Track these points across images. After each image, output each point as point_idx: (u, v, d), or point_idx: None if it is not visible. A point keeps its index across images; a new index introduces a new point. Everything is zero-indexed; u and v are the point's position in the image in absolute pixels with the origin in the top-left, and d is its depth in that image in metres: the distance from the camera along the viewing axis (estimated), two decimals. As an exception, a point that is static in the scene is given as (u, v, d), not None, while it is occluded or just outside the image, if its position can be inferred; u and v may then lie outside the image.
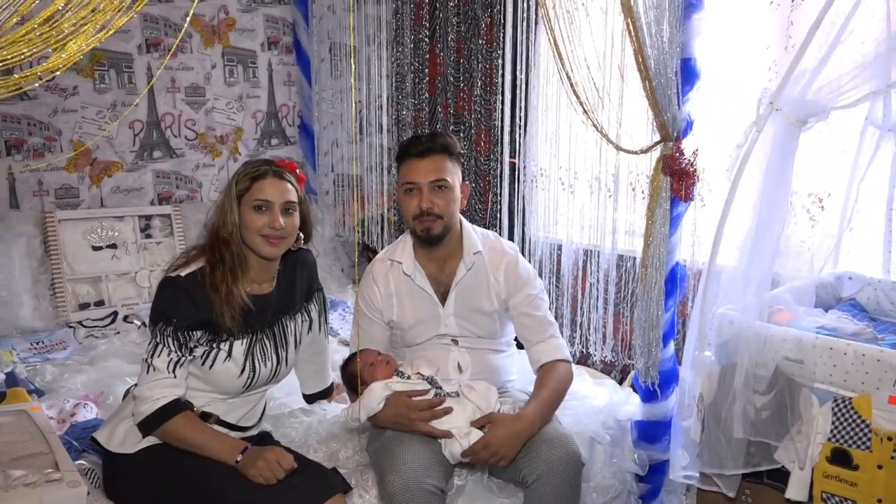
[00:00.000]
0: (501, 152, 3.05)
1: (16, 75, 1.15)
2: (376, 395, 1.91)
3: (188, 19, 2.47)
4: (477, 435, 1.81)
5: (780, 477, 1.85)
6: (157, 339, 1.74)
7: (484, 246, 2.11)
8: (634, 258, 2.66)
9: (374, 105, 3.66)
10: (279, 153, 3.93)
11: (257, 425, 1.96)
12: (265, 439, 1.94)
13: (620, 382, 2.66)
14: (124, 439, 1.77)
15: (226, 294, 1.78)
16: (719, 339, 1.93)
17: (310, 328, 2.03)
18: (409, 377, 1.96)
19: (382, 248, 3.52)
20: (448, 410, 1.86)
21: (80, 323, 3.03)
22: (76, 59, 1.15)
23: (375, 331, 2.12)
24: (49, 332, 2.94)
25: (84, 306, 3.10)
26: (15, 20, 1.08)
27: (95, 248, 3.21)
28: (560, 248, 2.93)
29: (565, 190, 2.90)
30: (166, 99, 3.53)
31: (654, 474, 2.15)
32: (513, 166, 3.05)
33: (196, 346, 1.78)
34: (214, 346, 1.79)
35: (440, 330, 2.09)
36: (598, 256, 2.75)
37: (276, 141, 3.94)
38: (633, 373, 2.63)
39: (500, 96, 3.02)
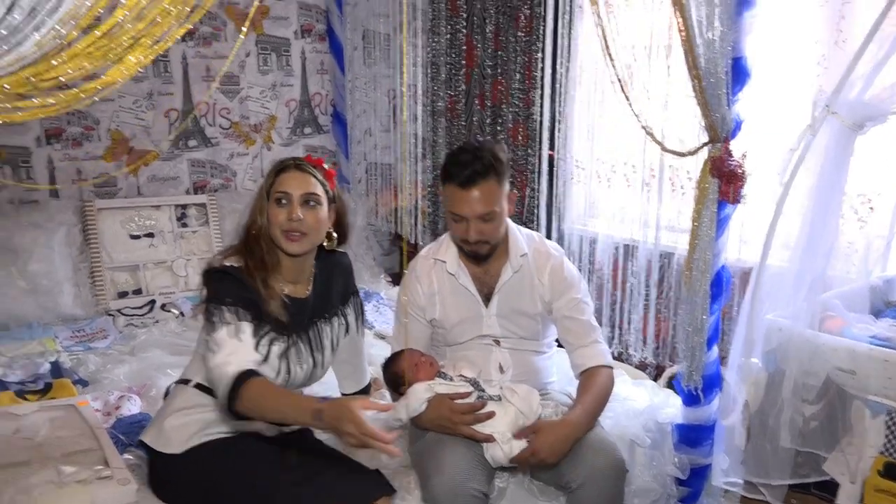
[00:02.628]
0: (540, 146, 3.01)
1: (74, 89, 1.15)
2: (419, 396, 1.91)
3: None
4: (519, 445, 1.80)
5: (829, 488, 1.83)
6: (214, 319, 1.70)
7: (529, 248, 2.08)
8: (671, 254, 2.63)
9: (408, 94, 3.63)
10: (312, 142, 3.93)
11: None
12: (305, 436, 1.94)
13: (655, 378, 2.64)
14: (170, 439, 1.77)
15: (266, 289, 1.77)
16: (767, 346, 1.91)
17: (346, 331, 2.02)
18: (451, 379, 1.95)
19: (414, 238, 3.48)
20: (490, 414, 1.85)
21: (119, 311, 3.06)
22: (134, 73, 1.14)
23: (417, 329, 2.11)
24: (89, 319, 2.97)
25: (123, 294, 3.13)
26: (75, 33, 1.07)
27: (133, 237, 3.23)
28: (594, 242, 2.90)
29: (601, 183, 2.86)
30: (201, 87, 3.53)
31: (695, 478, 2.14)
32: (551, 159, 3.01)
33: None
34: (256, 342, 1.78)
35: (482, 330, 2.07)
36: (636, 252, 2.72)
37: (309, 129, 3.93)
38: (668, 370, 2.61)
39: (539, 90, 2.98)
